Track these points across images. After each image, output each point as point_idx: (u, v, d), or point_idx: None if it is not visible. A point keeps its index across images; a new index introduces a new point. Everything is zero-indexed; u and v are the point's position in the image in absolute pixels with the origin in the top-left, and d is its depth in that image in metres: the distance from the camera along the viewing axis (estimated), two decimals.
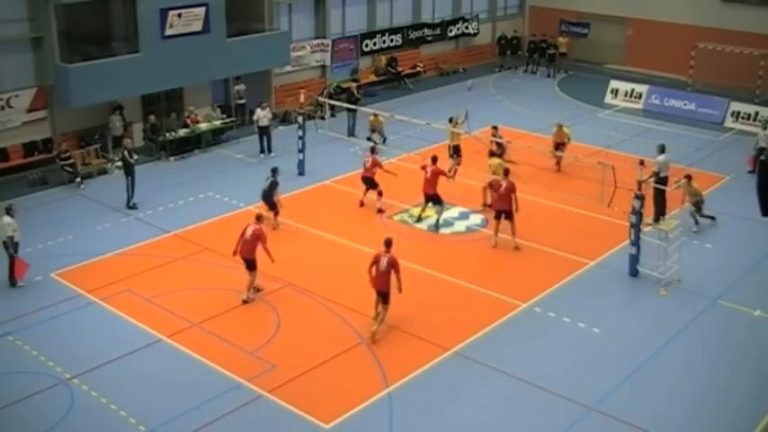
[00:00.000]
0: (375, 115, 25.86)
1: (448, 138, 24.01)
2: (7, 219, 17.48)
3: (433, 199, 20.39)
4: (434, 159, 20.66)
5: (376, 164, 21.32)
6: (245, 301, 16.73)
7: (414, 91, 33.70)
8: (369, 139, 25.89)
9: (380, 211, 21.12)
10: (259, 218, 17.02)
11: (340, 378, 14.38)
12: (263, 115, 25.40)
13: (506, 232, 19.34)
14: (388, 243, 15.51)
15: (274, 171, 20.28)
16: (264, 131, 25.56)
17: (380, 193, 21.19)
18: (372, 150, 21.78)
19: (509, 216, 19.16)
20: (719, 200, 22.28)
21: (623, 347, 15.43)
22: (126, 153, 21.63)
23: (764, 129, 24.21)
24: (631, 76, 34.31)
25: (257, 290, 17.05)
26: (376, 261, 15.49)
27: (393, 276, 15.40)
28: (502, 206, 19.22)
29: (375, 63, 34.37)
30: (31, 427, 13.05)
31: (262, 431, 13.11)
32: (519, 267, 18.62)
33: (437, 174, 20.27)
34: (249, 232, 16.59)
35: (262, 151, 25.69)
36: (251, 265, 16.65)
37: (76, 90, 23.37)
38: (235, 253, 16.77)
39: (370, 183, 21.34)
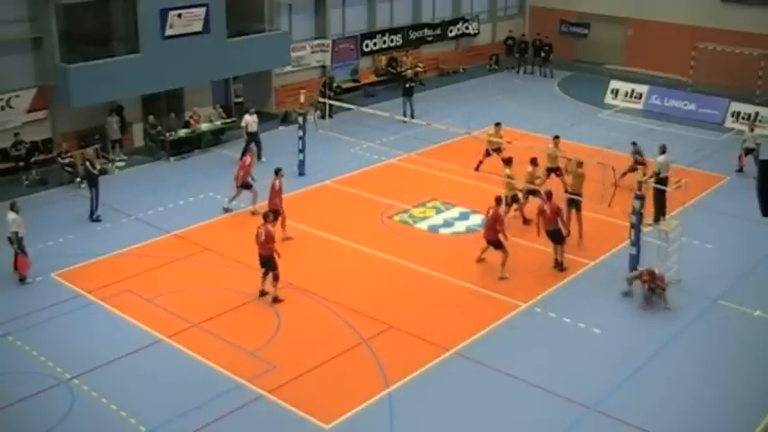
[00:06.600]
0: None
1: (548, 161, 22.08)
2: (12, 215, 17.57)
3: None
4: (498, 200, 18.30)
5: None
6: (261, 293, 17.08)
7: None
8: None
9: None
10: (266, 217, 17.14)
11: (340, 378, 14.37)
12: (251, 121, 24.90)
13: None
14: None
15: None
16: (253, 137, 24.95)
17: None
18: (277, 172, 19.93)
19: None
20: (719, 200, 22.29)
21: (623, 348, 15.44)
22: (88, 164, 21.20)
23: (752, 130, 24.55)
24: (631, 77, 34.25)
25: (276, 299, 16.93)
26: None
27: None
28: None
29: (375, 63, 34.35)
30: (31, 427, 13.06)
31: (262, 431, 13.13)
32: (519, 267, 18.57)
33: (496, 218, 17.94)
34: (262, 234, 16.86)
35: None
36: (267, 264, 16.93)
37: (77, 90, 23.35)
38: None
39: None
